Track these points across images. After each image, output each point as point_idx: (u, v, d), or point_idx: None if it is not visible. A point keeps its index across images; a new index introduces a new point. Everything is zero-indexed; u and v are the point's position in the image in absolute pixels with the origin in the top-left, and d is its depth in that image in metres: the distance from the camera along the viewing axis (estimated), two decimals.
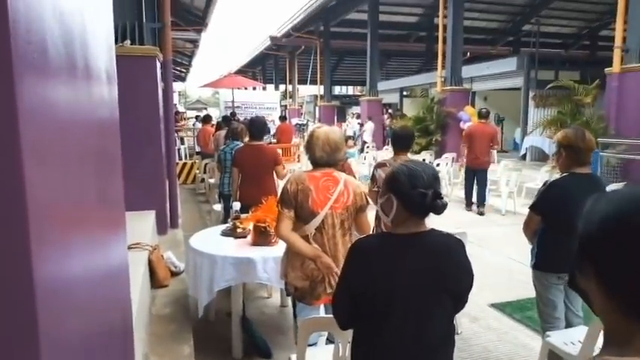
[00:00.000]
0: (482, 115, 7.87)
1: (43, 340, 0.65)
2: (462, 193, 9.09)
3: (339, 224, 2.53)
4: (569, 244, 2.82)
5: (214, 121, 11.40)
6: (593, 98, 8.92)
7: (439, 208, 1.67)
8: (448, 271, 1.70)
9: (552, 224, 2.77)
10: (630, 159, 7.32)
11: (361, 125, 16.94)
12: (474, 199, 7.97)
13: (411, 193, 1.66)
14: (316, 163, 2.60)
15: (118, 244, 1.26)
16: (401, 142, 3.80)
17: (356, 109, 20.46)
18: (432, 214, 1.81)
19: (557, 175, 2.93)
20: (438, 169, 9.60)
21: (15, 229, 0.61)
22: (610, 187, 5.94)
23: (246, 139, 5.24)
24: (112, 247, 1.18)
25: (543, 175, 8.34)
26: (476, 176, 7.79)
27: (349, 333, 1.89)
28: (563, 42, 21.09)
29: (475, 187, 7.89)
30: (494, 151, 7.80)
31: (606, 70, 8.35)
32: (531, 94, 13.05)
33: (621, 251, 0.68)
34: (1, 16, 0.63)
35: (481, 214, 7.85)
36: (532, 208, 2.88)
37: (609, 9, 14.24)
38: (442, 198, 1.68)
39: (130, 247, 4.01)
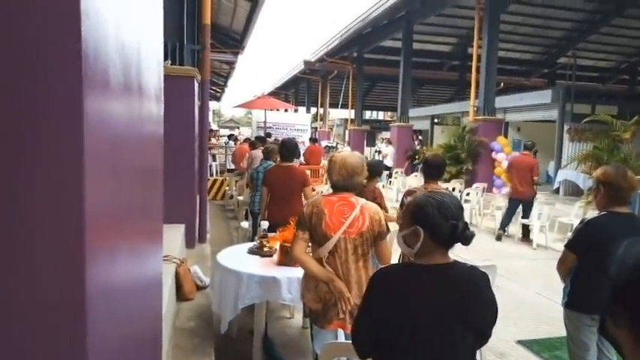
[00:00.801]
0: (527, 147, 8.18)
1: (90, 345, 0.69)
2: (491, 224, 8.94)
3: (353, 249, 2.52)
4: (604, 285, 2.74)
5: (245, 141, 11.61)
6: (632, 134, 8.68)
7: (469, 238, 1.67)
8: (471, 304, 1.68)
9: (588, 263, 2.69)
10: None
11: (378, 152, 16.91)
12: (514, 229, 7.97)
13: (442, 224, 1.66)
14: (334, 187, 2.63)
15: (155, 256, 1.31)
16: (433, 170, 3.79)
17: (386, 134, 20.46)
18: (462, 246, 1.81)
19: (592, 212, 2.86)
20: (468, 198, 9.55)
21: (73, 236, 0.65)
22: None
23: (277, 159, 5.32)
24: (150, 259, 1.23)
25: (577, 210, 8.13)
26: (522, 206, 7.98)
27: None
28: (601, 75, 20.72)
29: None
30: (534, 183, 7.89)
31: None
32: (566, 127, 12.82)
33: None
34: (76, 51, 0.73)
35: (526, 242, 7.81)
36: (568, 246, 2.81)
37: None
38: (469, 228, 1.69)
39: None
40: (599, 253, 2.52)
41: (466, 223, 1.68)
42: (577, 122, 12.06)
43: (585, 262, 2.71)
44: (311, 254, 2.62)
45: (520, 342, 4.15)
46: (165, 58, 5.72)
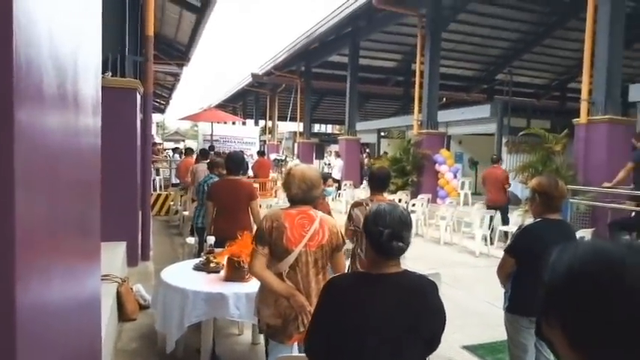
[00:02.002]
0: (494, 161, 9.36)
1: None
2: (436, 234, 9.21)
3: (313, 262, 2.52)
4: (540, 289, 2.88)
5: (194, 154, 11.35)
6: (563, 147, 9.25)
7: (394, 249, 1.69)
8: (420, 313, 1.71)
9: (525, 268, 2.83)
10: (598, 206, 7.56)
11: (328, 165, 17.10)
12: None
13: (371, 230, 1.72)
14: (292, 201, 2.61)
15: (92, 274, 1.24)
16: (378, 182, 3.86)
17: (334, 147, 20.69)
18: (407, 255, 1.85)
19: (530, 220, 3.03)
20: (413, 208, 9.79)
21: (2, 252, 0.61)
22: (579, 233, 6.10)
23: (223, 172, 5.23)
24: (87, 278, 1.16)
25: (516, 218, 8.53)
26: (500, 213, 8.80)
27: None
28: (535, 92, 21.99)
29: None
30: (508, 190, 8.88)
31: (574, 120, 8.73)
32: (504, 140, 13.47)
33: (582, 307, 0.69)
34: (6, 59, 0.70)
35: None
36: (507, 251, 2.94)
37: (576, 63, 15.05)
38: (402, 241, 1.70)
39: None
40: (534, 258, 2.66)
41: (398, 235, 1.69)
42: (514, 135, 12.71)
43: (523, 267, 2.85)
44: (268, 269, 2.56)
45: (465, 347, 4.26)
46: (106, 70, 5.53)
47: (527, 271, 2.81)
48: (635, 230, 6.82)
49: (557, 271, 0.75)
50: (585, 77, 8.66)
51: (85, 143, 1.11)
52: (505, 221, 8.77)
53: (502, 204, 8.83)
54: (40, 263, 0.74)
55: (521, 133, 11.08)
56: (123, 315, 3.93)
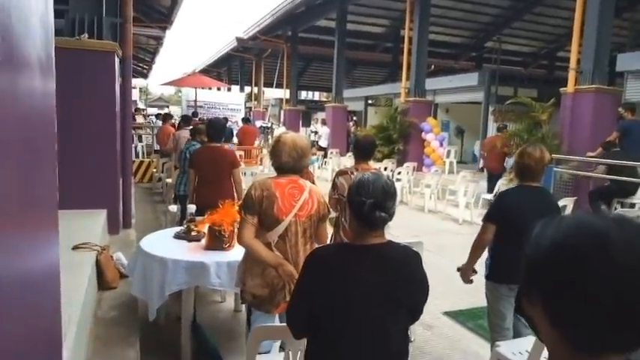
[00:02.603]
0: (499, 129, 9.92)
1: None
2: (421, 202, 9.26)
3: (302, 232, 2.50)
4: (519, 257, 2.88)
5: (175, 120, 11.14)
6: (549, 116, 9.25)
7: (376, 219, 1.66)
8: (404, 283, 1.70)
9: (503, 235, 2.85)
10: (581, 175, 7.63)
11: (315, 133, 16.95)
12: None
13: (354, 200, 1.68)
14: (281, 169, 2.55)
15: (46, 245, 1.16)
16: (363, 150, 3.79)
17: (321, 115, 20.46)
18: (390, 224, 1.81)
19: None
20: (399, 177, 9.81)
21: None
22: (562, 202, 6.16)
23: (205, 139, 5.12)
24: (36, 250, 1.09)
25: (500, 187, 8.59)
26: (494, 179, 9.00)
27: (301, 342, 1.86)
28: (523, 60, 21.86)
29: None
30: (508, 158, 8.93)
31: (561, 89, 8.70)
32: (491, 108, 13.44)
33: (566, 283, 0.66)
34: None
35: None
36: (484, 219, 2.95)
37: (566, 32, 14.91)
38: (385, 212, 1.66)
39: (76, 247, 3.83)
40: (512, 223, 2.72)
41: (381, 206, 1.65)
42: (501, 104, 12.69)
43: (501, 235, 2.87)
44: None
45: (446, 313, 4.33)
46: (82, 32, 5.29)
47: (505, 239, 2.84)
48: (610, 198, 6.92)
49: (540, 245, 0.71)
50: (574, 46, 8.58)
51: (27, 104, 1.01)
52: (491, 190, 8.85)
53: (498, 172, 9.03)
54: None
55: (508, 102, 11.05)
56: (103, 283, 3.88)
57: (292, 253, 2.48)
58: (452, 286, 3.42)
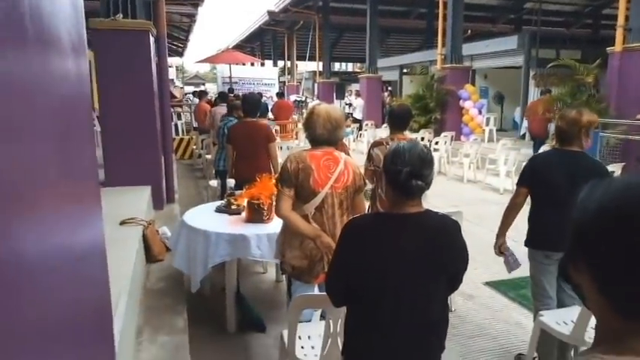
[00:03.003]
0: (542, 93, 10.05)
1: None
2: (459, 172, 9.10)
3: (339, 204, 2.51)
4: (552, 221, 2.82)
5: (210, 97, 11.27)
6: (595, 78, 8.80)
7: (413, 188, 1.63)
8: (442, 251, 1.68)
9: (537, 200, 2.82)
10: (629, 139, 7.27)
11: (349, 105, 16.73)
12: None
13: (390, 169, 1.67)
14: (316, 141, 2.55)
15: (89, 218, 1.21)
16: (398, 120, 3.73)
17: (355, 86, 20.19)
18: (428, 194, 1.79)
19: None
20: (436, 147, 9.63)
21: None
22: (609, 168, 5.91)
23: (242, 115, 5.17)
24: (79, 225, 1.14)
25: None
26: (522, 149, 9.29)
27: (342, 310, 1.89)
28: (565, 20, 20.73)
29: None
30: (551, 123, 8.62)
31: (608, 49, 8.24)
32: (532, 72, 12.91)
33: (616, 247, 0.63)
34: None
35: None
36: (517, 183, 2.92)
37: None
38: (422, 180, 1.64)
39: (123, 223, 4.00)
40: (546, 189, 2.66)
41: (417, 174, 1.62)
42: (542, 68, 12.16)
43: (535, 199, 2.83)
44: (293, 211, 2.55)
45: (487, 283, 4.30)
46: (117, 12, 5.37)
47: (539, 203, 2.81)
48: None
49: (587, 209, 0.68)
50: (622, 2, 8.06)
51: (63, 85, 1.04)
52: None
53: (541, 137, 8.87)
54: (8, 213, 0.69)
55: (549, 65, 10.57)
56: (150, 257, 4.05)
57: (329, 224, 2.51)
58: (493, 256, 3.37)
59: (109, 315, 1.51)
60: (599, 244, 0.66)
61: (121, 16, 5.30)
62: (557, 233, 2.63)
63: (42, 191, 0.87)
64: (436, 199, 1.80)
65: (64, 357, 1.01)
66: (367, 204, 3.30)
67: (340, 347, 1.86)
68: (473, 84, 13.69)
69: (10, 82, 0.76)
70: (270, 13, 21.33)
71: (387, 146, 3.40)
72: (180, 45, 25.80)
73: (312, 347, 2.39)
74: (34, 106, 0.86)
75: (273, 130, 5.56)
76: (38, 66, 0.90)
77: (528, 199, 2.89)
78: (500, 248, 2.99)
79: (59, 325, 0.98)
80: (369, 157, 3.61)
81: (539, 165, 2.81)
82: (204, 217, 3.56)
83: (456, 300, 3.84)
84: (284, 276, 3.14)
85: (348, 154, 3.07)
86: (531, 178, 2.80)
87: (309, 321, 2.64)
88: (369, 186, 3.56)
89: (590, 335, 2.48)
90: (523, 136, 13.01)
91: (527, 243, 2.90)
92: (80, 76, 1.17)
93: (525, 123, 12.78)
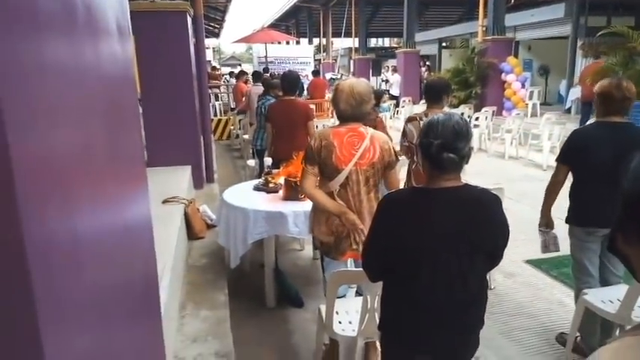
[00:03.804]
0: (596, 57, 10.08)
1: (40, 304, 0.64)
2: (501, 148, 8.85)
3: (364, 181, 2.48)
4: (595, 197, 2.70)
5: (248, 77, 11.34)
6: None
7: (444, 161, 1.59)
8: (481, 226, 1.65)
9: (578, 175, 2.71)
10: None
11: (385, 81, 16.43)
12: None
13: (422, 142, 1.64)
14: (341, 117, 2.52)
15: (137, 198, 1.26)
16: (433, 93, 3.63)
17: (392, 62, 19.79)
18: (468, 170, 1.75)
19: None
20: (477, 122, 9.37)
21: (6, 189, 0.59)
22: None
23: (279, 93, 5.19)
24: (128, 202, 1.19)
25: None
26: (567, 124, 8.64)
27: (378, 285, 1.90)
28: None
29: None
30: None
31: None
32: (579, 42, 12.27)
33: None
34: None
35: None
36: (557, 159, 2.80)
37: None
38: (455, 153, 1.59)
39: (165, 201, 4.13)
40: (588, 163, 2.54)
41: (449, 147, 1.58)
42: (592, 37, 11.53)
43: (577, 174, 2.72)
44: (319, 188, 2.56)
45: (528, 261, 4.21)
46: None
47: (581, 178, 2.69)
48: None
49: (639, 177, 0.65)
50: None
51: (110, 68, 1.08)
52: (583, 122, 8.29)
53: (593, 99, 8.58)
54: (52, 191, 0.72)
55: (599, 34, 10.02)
56: (191, 234, 4.18)
57: (355, 201, 2.49)
58: (534, 234, 3.28)
59: (156, 287, 1.58)
60: None
61: None
62: (599, 209, 2.55)
63: (97, 169, 0.91)
64: (476, 176, 1.75)
65: (116, 323, 1.07)
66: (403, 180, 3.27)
67: (377, 322, 1.88)
68: (516, 56, 13.17)
69: (66, 67, 0.79)
70: None
71: (421, 122, 3.34)
72: (216, 26, 25.96)
73: (350, 322, 2.42)
74: (91, 89, 0.90)
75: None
76: (88, 49, 0.93)
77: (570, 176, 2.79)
78: (547, 226, 2.90)
79: (113, 292, 1.04)
80: (404, 133, 3.56)
81: (580, 141, 2.68)
82: (243, 195, 3.62)
83: (495, 277, 3.78)
84: (318, 251, 3.18)
85: (386, 131, 3.02)
86: (572, 156, 2.69)
87: (344, 296, 2.67)
88: (406, 160, 3.52)
89: (637, 314, 2.40)
90: (569, 110, 12.45)
91: (568, 219, 2.80)
92: (126, 59, 1.21)
93: (572, 96, 12.24)
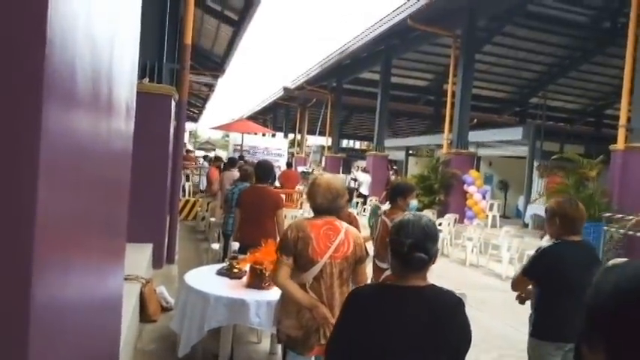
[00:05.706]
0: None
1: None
2: (462, 255, 9.05)
3: (338, 274, 2.49)
4: (566, 310, 2.76)
5: (221, 163, 11.53)
6: (598, 173, 9.00)
7: (415, 260, 1.64)
8: (445, 328, 1.66)
9: (549, 291, 2.76)
10: (634, 236, 7.29)
11: (354, 180, 17.02)
12: None
13: (394, 240, 1.69)
14: (317, 211, 2.59)
15: (115, 273, 1.25)
16: (397, 193, 3.84)
17: (362, 163, 20.62)
18: (433, 274, 1.80)
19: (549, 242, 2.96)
20: (440, 228, 9.64)
21: (21, 245, 0.61)
22: (613, 261, 5.87)
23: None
24: (109, 276, 1.18)
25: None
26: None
27: None
28: (569, 117, 21.52)
29: None
30: None
31: (611, 146, 8.49)
32: (536, 163, 13.20)
33: (632, 328, 0.65)
34: (39, 56, 0.67)
35: None
36: (523, 272, 2.88)
37: (614, 90, 14.69)
38: (425, 253, 1.64)
39: (124, 279, 3.97)
40: (559, 280, 2.64)
41: (420, 246, 1.63)
42: (546, 159, 12.45)
43: (546, 291, 2.76)
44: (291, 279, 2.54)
45: None
46: (144, 76, 5.69)
47: (550, 295, 2.74)
48: None
49: (603, 291, 0.71)
50: (624, 103, 8.44)
51: (116, 145, 1.13)
52: None
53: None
54: (59, 255, 0.74)
55: (554, 157, 10.84)
56: (145, 316, 3.98)
57: (328, 294, 2.47)
58: (495, 342, 3.28)
59: None
60: (614, 324, 0.67)
61: (147, 80, 5.61)
62: (574, 324, 2.57)
63: (87, 238, 0.92)
64: (438, 280, 1.79)
65: None
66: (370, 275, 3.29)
67: None
68: (477, 170, 13.96)
69: (83, 136, 0.84)
70: (285, 89, 22.35)
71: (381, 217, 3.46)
72: (196, 111, 26.80)
73: None
74: (95, 159, 0.94)
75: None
76: (104, 125, 0.98)
77: None
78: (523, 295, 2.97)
79: None
80: (371, 227, 3.65)
81: (553, 261, 2.75)
82: (205, 278, 3.53)
83: None
84: (279, 347, 3.06)
85: (357, 226, 3.09)
86: (543, 273, 2.77)
87: None
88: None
89: None
90: (526, 225, 13.03)
91: (534, 334, 2.78)
92: (128, 137, 1.26)
93: (530, 211, 12.89)
